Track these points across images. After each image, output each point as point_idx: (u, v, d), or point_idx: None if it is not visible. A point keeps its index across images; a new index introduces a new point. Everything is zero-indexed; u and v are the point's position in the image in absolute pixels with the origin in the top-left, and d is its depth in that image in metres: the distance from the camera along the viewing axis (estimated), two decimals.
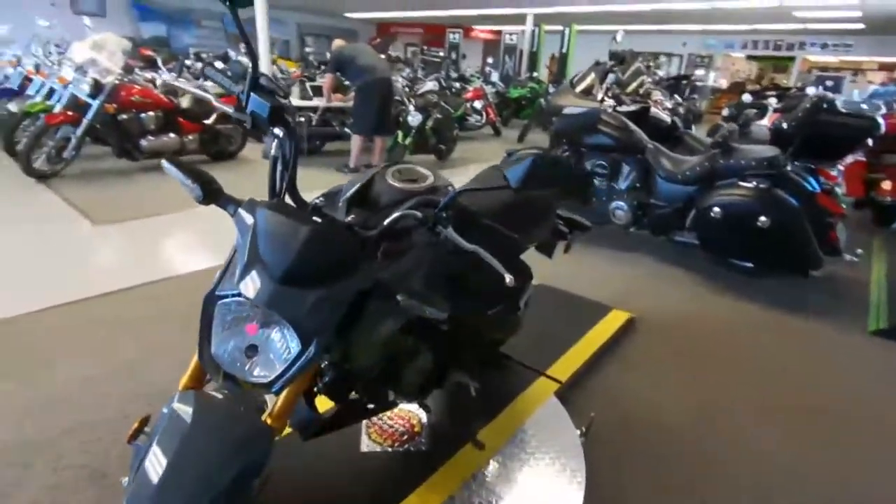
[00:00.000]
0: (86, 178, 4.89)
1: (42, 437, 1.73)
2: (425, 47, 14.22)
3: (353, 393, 1.38)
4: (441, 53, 13.04)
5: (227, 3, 0.87)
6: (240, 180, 5.34)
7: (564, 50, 12.05)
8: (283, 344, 0.92)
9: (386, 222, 1.04)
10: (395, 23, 17.26)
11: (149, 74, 6.78)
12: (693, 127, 7.34)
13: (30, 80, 5.64)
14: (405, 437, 1.74)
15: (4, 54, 6.59)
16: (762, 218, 3.08)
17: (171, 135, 5.31)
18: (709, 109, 12.10)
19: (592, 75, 3.96)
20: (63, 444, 1.70)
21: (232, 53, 9.89)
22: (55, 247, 3.40)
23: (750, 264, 3.37)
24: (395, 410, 1.85)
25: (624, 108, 4.43)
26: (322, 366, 1.27)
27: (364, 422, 1.77)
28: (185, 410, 1.01)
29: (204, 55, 9.82)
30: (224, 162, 5.96)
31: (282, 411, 1.11)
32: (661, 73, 7.06)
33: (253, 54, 0.92)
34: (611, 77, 3.82)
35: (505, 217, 1.43)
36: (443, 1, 11.66)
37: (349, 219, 1.05)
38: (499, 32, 14.34)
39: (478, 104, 8.77)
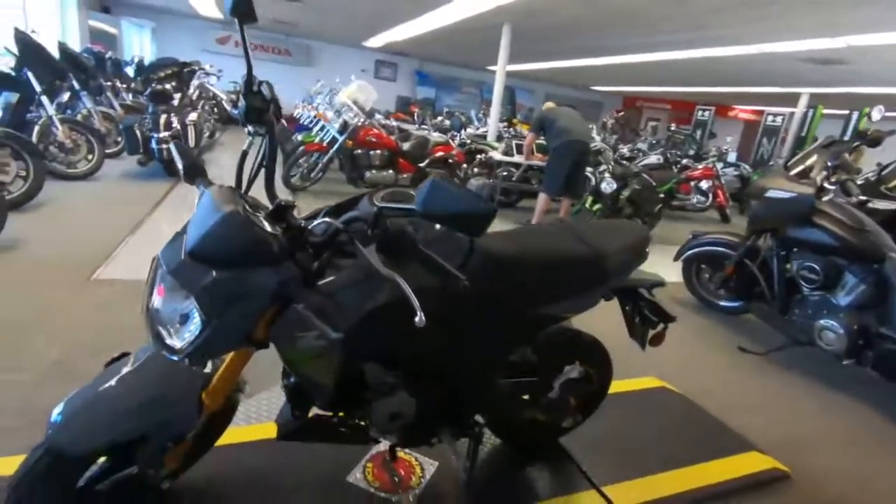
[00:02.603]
0: (322, 194, 6.10)
1: None
2: (673, 125, 13.48)
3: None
4: (673, 129, 12.16)
5: (236, 18, 1.02)
6: None
7: (846, 137, 9.88)
8: (197, 318, 0.98)
9: (304, 223, 1.04)
10: (641, 97, 16.92)
11: (404, 125, 8.25)
12: None
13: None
14: (395, 485, 1.60)
15: (314, 102, 8.86)
16: None
17: (390, 171, 6.23)
18: None
19: (816, 156, 3.14)
20: None
21: (472, 114, 11.18)
22: None
23: None
24: (405, 454, 1.73)
25: (879, 205, 3.39)
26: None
27: (373, 451, 1.71)
28: (140, 357, 1.16)
29: (457, 113, 11.46)
30: None
31: (215, 390, 1.17)
32: None
33: (249, 65, 1.05)
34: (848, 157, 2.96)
35: (525, 274, 1.26)
36: (701, 77, 10.93)
37: (307, 222, 1.08)
38: (761, 112, 12.66)
39: (704, 184, 7.82)
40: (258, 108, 1.04)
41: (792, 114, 10.90)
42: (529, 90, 16.76)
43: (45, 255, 3.23)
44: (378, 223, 0.99)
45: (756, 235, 3.32)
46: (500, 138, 8.71)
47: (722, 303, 3.71)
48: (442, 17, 8.41)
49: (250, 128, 1.11)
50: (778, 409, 2.59)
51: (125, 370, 1.14)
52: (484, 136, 8.89)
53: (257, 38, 13.79)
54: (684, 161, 8.70)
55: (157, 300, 1.01)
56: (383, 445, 1.66)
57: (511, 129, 10.27)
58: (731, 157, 8.76)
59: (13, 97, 4.90)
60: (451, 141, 7.27)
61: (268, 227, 1.00)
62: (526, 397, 1.60)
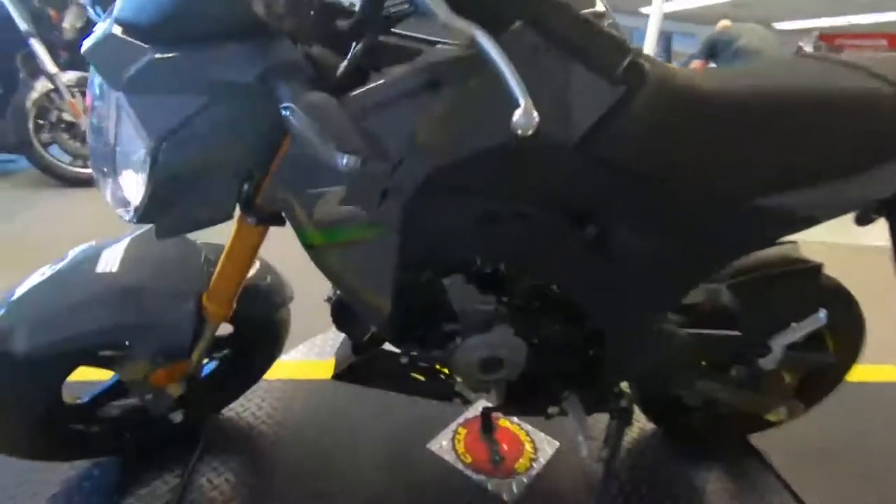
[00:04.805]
0: None
1: None
2: None
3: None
4: None
5: None
6: None
7: None
8: (142, 148, 0.58)
9: None
10: (843, 33, 13.51)
11: None
12: None
13: None
14: (493, 465, 1.13)
15: None
16: None
17: None
18: None
19: None
20: None
21: None
22: None
23: None
24: (512, 424, 1.25)
25: None
26: None
27: (468, 414, 1.26)
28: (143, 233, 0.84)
29: None
30: None
31: (215, 290, 0.79)
32: None
33: None
34: None
35: (746, 130, 0.67)
36: None
37: None
38: None
39: None
40: None
41: None
42: (689, 34, 14.46)
43: None
44: None
45: None
46: None
47: None
48: None
49: None
50: None
51: (105, 252, 0.81)
52: None
53: None
54: None
55: (97, 120, 0.63)
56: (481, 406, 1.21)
57: None
58: None
59: None
60: None
61: None
62: (704, 363, 0.99)
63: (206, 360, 1.07)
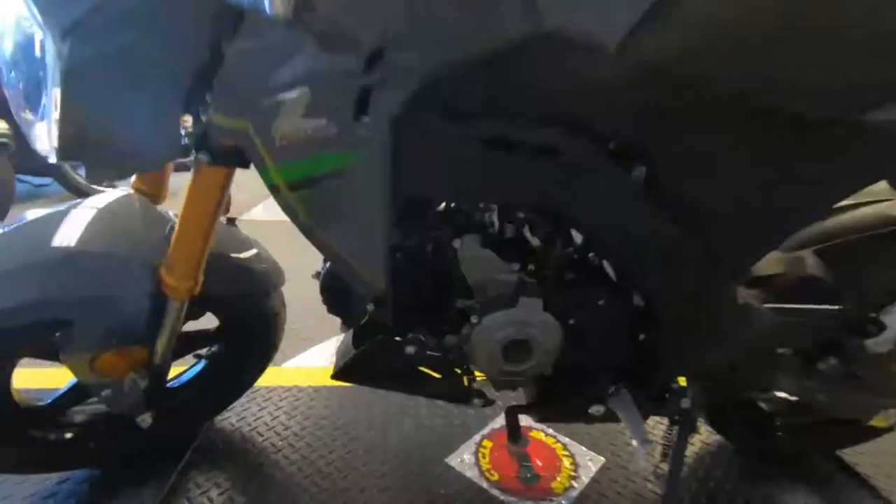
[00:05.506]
0: None
1: None
2: None
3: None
4: None
5: None
6: None
7: None
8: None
9: None
10: None
11: None
12: None
13: None
14: (524, 483, 0.94)
15: None
16: None
17: None
18: None
19: None
20: None
21: None
22: None
23: None
24: (547, 437, 1.06)
25: None
26: None
27: (495, 424, 1.08)
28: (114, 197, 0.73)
29: None
30: None
31: (174, 260, 0.66)
32: None
33: None
34: None
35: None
36: None
37: None
38: None
39: None
40: None
41: None
42: None
43: None
44: None
45: None
46: None
47: None
48: None
49: None
50: None
51: (66, 218, 0.70)
52: None
53: None
54: None
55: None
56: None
57: None
58: None
59: None
60: None
61: None
62: (787, 351, 0.79)
63: (193, 360, 0.95)
